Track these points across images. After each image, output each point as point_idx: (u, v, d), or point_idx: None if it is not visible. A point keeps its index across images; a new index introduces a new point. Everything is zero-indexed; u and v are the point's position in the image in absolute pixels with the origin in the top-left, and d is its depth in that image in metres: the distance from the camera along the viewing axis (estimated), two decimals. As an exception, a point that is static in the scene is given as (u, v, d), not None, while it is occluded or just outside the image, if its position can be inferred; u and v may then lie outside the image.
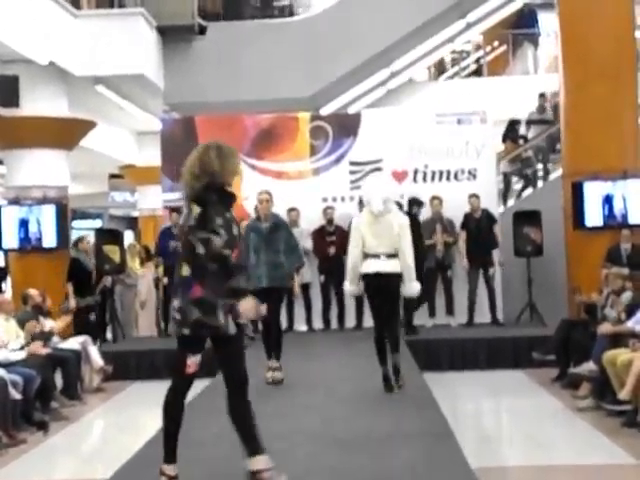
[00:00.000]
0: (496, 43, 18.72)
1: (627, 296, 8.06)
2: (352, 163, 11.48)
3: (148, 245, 13.76)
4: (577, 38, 10.66)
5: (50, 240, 11.16)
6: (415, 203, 10.20)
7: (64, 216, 11.41)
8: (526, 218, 11.23)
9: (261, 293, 5.74)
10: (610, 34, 10.43)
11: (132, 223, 24.61)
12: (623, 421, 6.65)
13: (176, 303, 4.12)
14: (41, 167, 11.37)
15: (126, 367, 9.91)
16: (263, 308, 4.43)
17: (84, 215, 24.51)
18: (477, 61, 18.98)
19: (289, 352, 9.06)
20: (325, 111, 13.68)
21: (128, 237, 18.04)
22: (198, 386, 7.64)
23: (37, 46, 10.28)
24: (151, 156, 14.95)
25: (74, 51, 11.19)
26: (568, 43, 10.85)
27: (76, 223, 22.56)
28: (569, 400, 7.73)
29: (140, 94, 13.13)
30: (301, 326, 11.22)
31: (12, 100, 10.78)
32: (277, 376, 7.28)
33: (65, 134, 11.50)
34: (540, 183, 13.12)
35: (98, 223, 24.27)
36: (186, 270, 4.08)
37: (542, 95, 14.13)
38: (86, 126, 11.93)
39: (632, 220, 10.41)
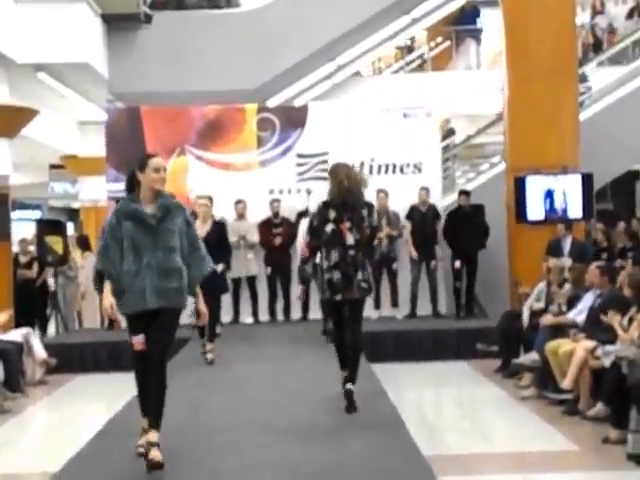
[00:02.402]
0: (440, 39, 18.91)
1: (567, 288, 8.27)
2: (299, 155, 11.49)
3: (87, 234, 13.58)
4: (520, 35, 10.86)
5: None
6: None
7: (5, 207, 11.16)
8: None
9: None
10: (552, 32, 10.65)
11: (72, 214, 24.20)
12: (564, 409, 6.83)
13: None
14: (-19, 156, 11.10)
15: (69, 360, 9.77)
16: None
17: (23, 206, 24.00)
18: (421, 56, 19.13)
19: (236, 344, 9.10)
20: (271, 103, 13.65)
21: (69, 228, 17.73)
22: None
23: (-23, 31, 10.04)
24: (94, 146, 14.71)
25: (15, 37, 10.93)
26: (511, 40, 11.05)
27: (15, 214, 22.07)
28: (512, 390, 7.90)
29: (83, 83, 12.89)
30: (247, 318, 11.20)
31: (-49, 86, 10.50)
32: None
33: (5, 122, 11.21)
34: (483, 178, 13.33)
35: (37, 214, 23.80)
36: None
37: None
38: (27, 114, 11.66)
39: (572, 214, 10.67)
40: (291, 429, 5.25)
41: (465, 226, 10.78)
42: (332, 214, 5.88)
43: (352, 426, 5.22)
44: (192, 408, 6.02)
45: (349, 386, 5.74)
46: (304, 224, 8.38)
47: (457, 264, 10.89)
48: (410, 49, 19.17)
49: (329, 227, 5.86)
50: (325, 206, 5.96)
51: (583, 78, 12.87)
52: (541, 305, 8.44)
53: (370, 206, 5.99)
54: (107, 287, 4.64)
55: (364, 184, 6.07)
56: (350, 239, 5.83)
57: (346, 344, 5.94)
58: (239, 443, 4.98)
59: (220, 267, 7.60)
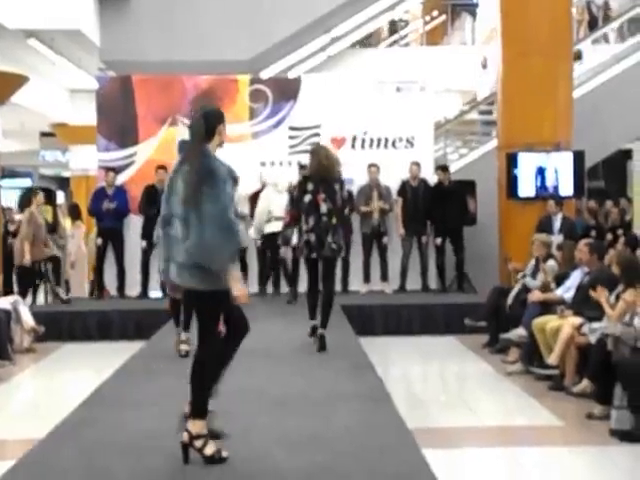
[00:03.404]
0: (435, 13, 18.83)
1: (552, 265, 8.29)
2: (291, 128, 11.43)
3: (77, 203, 13.52)
4: (515, 11, 10.79)
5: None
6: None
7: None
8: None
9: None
10: (548, 8, 10.57)
11: (63, 183, 24.11)
12: (550, 385, 6.88)
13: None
14: (-30, 122, 11.03)
15: (58, 328, 9.76)
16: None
17: (13, 174, 23.88)
18: (416, 30, 19.07)
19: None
20: (265, 75, 13.57)
21: (59, 197, 17.66)
22: (133, 348, 7.64)
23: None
24: (85, 115, 14.63)
25: (6, 3, 10.83)
26: (506, 16, 10.98)
27: (4, 182, 21.97)
28: (499, 365, 7.95)
29: (75, 50, 12.80)
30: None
31: (-60, 51, 10.40)
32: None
33: (-4, 88, 11.14)
34: (475, 154, 13.31)
35: (27, 182, 23.69)
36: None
37: None
38: (17, 80, 11.55)
39: (563, 192, 10.68)
40: (278, 399, 5.27)
41: (445, 202, 10.78)
42: (310, 187, 6.94)
43: (339, 398, 5.25)
44: (182, 375, 6.02)
45: (321, 331, 6.88)
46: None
47: (437, 241, 10.92)
48: (393, 25, 19.05)
49: (307, 197, 6.94)
50: (305, 180, 7.08)
51: (578, 55, 12.83)
52: (537, 283, 8.37)
53: (342, 182, 7.05)
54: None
55: (338, 164, 7.11)
56: (324, 208, 6.91)
57: (317, 297, 7.04)
58: (227, 412, 4.99)
59: None
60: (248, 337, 7.66)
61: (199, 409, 4.06)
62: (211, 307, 4.07)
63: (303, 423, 4.72)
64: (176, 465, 4.03)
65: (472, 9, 18.97)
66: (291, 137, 11.39)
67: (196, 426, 4.02)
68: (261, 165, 11.30)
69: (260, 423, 4.76)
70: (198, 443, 4.00)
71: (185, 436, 4.02)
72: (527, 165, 10.65)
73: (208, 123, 4.16)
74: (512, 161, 10.67)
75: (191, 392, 4.09)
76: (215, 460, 3.99)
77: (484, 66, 16.60)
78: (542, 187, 10.72)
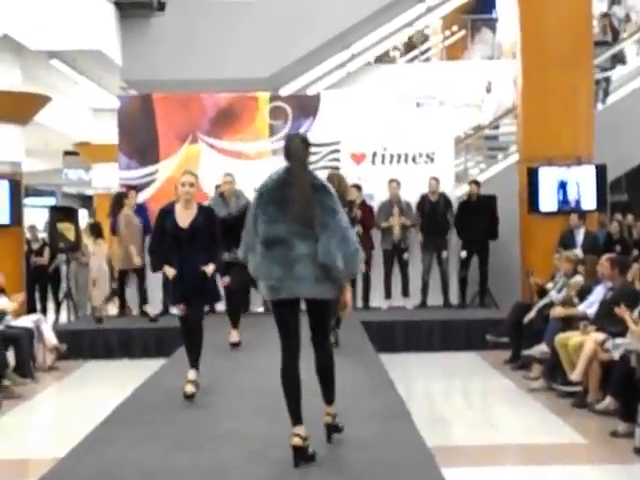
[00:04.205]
0: (455, 28, 18.82)
1: (578, 280, 8.21)
2: (311, 145, 11.43)
3: (99, 222, 13.60)
4: (535, 25, 10.76)
5: (3, 217, 10.96)
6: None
7: (17, 193, 11.22)
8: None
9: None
10: (568, 22, 10.54)
11: (86, 201, 24.31)
12: (573, 402, 6.80)
13: None
14: (-6, 142, 11.15)
15: (80, 346, 9.81)
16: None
17: (37, 192, 24.14)
18: (436, 45, 19.06)
19: (246, 333, 9.08)
20: (284, 92, 13.62)
21: (83, 215, 17.80)
22: (154, 365, 7.65)
23: (-9, 18, 10.07)
24: (107, 133, 14.74)
25: (29, 24, 10.96)
26: (526, 30, 10.95)
27: (28, 200, 22.21)
28: (521, 381, 7.88)
29: (96, 70, 12.93)
30: (258, 307, 11.21)
31: (-35, 73, 10.55)
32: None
33: (19, 108, 11.28)
34: (496, 168, 13.25)
35: (51, 201, 23.93)
36: None
37: (605, 15, 14.02)
38: (41, 100, 11.71)
39: (585, 206, 10.60)
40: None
41: (475, 216, 10.76)
42: None
43: (358, 415, 5.21)
44: (201, 393, 6.03)
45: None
46: None
47: (463, 254, 10.88)
48: (410, 43, 19.04)
49: None
50: None
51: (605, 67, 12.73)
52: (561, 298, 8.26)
53: (351, 203, 7.88)
54: None
55: (348, 191, 7.47)
56: None
57: None
58: (244, 429, 4.99)
59: (210, 268, 6.01)
60: (262, 353, 7.69)
61: (334, 396, 4.61)
62: (330, 313, 4.62)
63: (319, 442, 4.68)
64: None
65: (492, 24, 18.95)
66: (311, 154, 11.37)
67: (334, 408, 4.61)
68: (281, 182, 11.31)
69: (276, 441, 4.73)
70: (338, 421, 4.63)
71: (329, 419, 4.61)
72: (548, 179, 10.59)
73: (307, 147, 4.58)
74: (533, 175, 10.61)
75: (327, 388, 4.58)
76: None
77: (488, 90, 16.58)
78: (564, 201, 10.64)
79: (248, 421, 5.23)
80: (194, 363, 5.99)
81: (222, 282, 7.43)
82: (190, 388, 5.85)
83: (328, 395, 4.58)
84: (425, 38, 19.59)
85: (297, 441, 4.22)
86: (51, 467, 4.39)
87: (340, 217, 4.31)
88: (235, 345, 7.91)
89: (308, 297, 4.31)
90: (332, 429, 4.63)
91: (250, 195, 7.96)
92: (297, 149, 4.49)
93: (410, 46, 19.18)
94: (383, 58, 17.40)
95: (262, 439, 4.78)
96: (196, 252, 5.97)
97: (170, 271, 5.95)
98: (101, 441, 4.86)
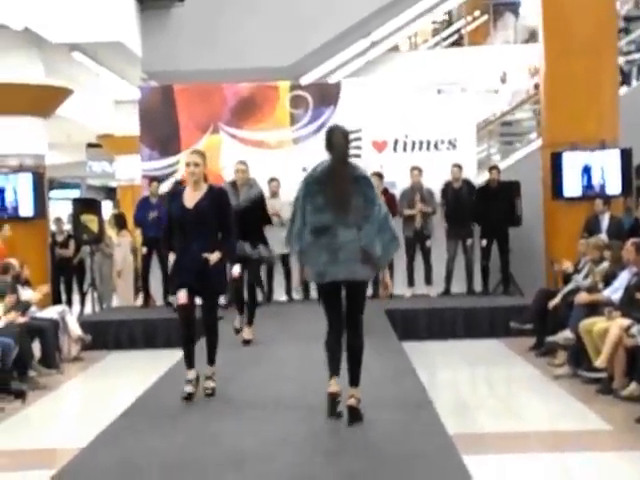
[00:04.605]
0: (477, 13, 18.64)
1: (604, 266, 8.12)
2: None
3: (123, 213, 13.67)
4: (558, 9, 10.64)
5: (27, 209, 11.05)
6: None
7: (41, 185, 11.30)
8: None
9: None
10: (592, 6, 10.41)
11: (110, 193, 24.46)
12: (598, 388, 6.73)
13: None
14: (17, 135, 11.23)
15: (104, 337, 9.88)
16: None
17: (62, 185, 24.32)
18: (458, 31, 18.88)
19: (269, 322, 9.10)
20: (304, 81, 13.57)
21: (107, 207, 17.93)
22: (177, 355, 7.66)
23: (11, 11, 10.11)
24: (129, 125, 14.79)
25: (49, 17, 11.00)
26: (549, 14, 10.83)
27: (54, 193, 22.39)
28: (545, 368, 7.82)
29: (118, 62, 12.95)
30: (281, 296, 11.21)
31: (-14, 66, 10.62)
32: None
33: (41, 101, 11.36)
34: (519, 154, 13.13)
35: (76, 193, 24.09)
36: None
37: None
38: (62, 93, 11.77)
39: (609, 191, 10.48)
40: (318, 406, 5.22)
41: (493, 203, 10.63)
42: None
43: (379, 404, 5.18)
44: (221, 382, 6.05)
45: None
46: None
47: (483, 242, 10.79)
48: (449, 23, 18.95)
49: None
50: None
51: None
52: (587, 284, 8.17)
53: None
54: None
55: None
56: None
57: None
58: (266, 419, 4.99)
59: (214, 256, 5.48)
60: (288, 344, 7.68)
61: (359, 379, 4.75)
62: (365, 297, 4.87)
63: (341, 429, 4.67)
64: (209, 475, 4.02)
65: (515, 8, 18.73)
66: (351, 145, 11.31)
67: (358, 391, 4.72)
68: (302, 171, 11.28)
69: (298, 431, 4.73)
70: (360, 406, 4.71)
71: (353, 401, 4.68)
72: (572, 164, 10.48)
73: (348, 140, 4.86)
74: (557, 160, 10.50)
75: (354, 367, 4.74)
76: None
77: (503, 81, 16.41)
78: (588, 186, 10.53)
79: (269, 411, 5.23)
80: (209, 358, 5.65)
81: (232, 272, 7.20)
82: (189, 388, 5.45)
83: (354, 376, 4.75)
84: (447, 24, 19.43)
85: (334, 389, 4.72)
86: (71, 458, 4.41)
87: (380, 207, 4.69)
88: (247, 342, 7.61)
89: (349, 279, 4.65)
90: (354, 412, 4.68)
91: (262, 184, 7.94)
92: (339, 142, 4.76)
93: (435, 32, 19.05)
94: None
95: (283, 429, 4.77)
96: (201, 237, 5.42)
97: (171, 258, 5.56)
98: (122, 432, 4.88)
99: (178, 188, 5.81)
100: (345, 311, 4.79)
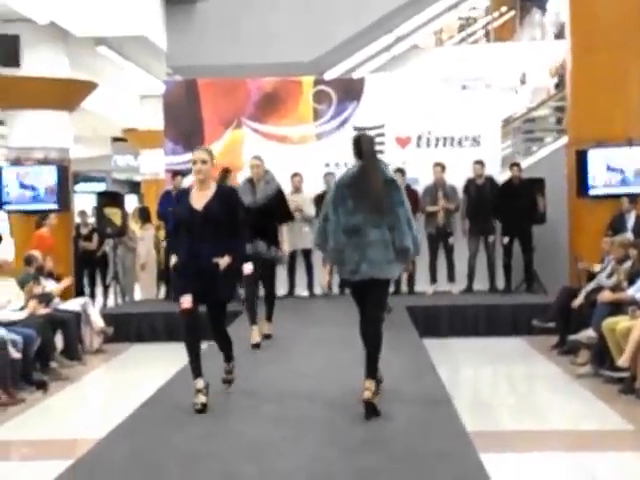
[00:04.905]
0: (504, 9, 18.52)
1: (629, 264, 8.02)
2: (356, 128, 11.36)
3: (148, 206, 13.72)
4: (585, 5, 10.52)
5: (51, 202, 11.13)
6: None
7: (65, 178, 11.38)
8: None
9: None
10: (618, 1, 10.28)
11: (135, 187, 24.60)
12: (621, 388, 6.66)
13: None
14: (42, 128, 11.32)
15: (126, 329, 9.93)
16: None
17: (87, 178, 24.49)
18: (484, 27, 18.79)
19: (289, 317, 9.10)
20: (329, 76, 13.55)
21: (132, 201, 18.04)
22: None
23: (37, 5, 10.17)
24: (154, 119, 14.87)
25: (75, 11, 11.06)
26: (576, 10, 10.71)
27: (79, 186, 22.57)
28: (568, 367, 7.75)
29: (142, 56, 13.03)
30: (302, 291, 11.21)
31: (12, 60, 10.71)
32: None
33: (66, 95, 11.44)
34: (544, 151, 13.02)
35: (101, 187, 24.26)
36: None
37: None
38: (87, 87, 11.85)
39: (636, 189, 10.33)
40: (336, 401, 5.22)
41: (515, 200, 10.54)
42: None
43: (398, 400, 5.17)
44: (241, 378, 6.05)
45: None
46: None
47: (505, 240, 10.70)
48: (473, 20, 18.86)
49: None
50: None
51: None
52: (610, 283, 8.08)
53: None
54: None
55: None
56: None
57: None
58: (283, 413, 4.99)
59: (224, 260, 5.10)
60: (305, 338, 7.66)
61: (375, 370, 4.90)
62: (387, 294, 5.17)
63: (359, 425, 4.66)
64: (226, 468, 4.02)
65: (542, 3, 18.58)
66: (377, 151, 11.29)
67: (373, 384, 4.81)
68: (325, 166, 11.29)
69: (316, 425, 4.72)
70: (376, 399, 4.80)
71: (368, 394, 4.74)
72: (598, 161, 10.36)
73: (374, 146, 5.18)
74: (582, 158, 10.39)
75: (370, 358, 4.89)
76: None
77: (522, 82, 16.28)
78: (614, 184, 10.40)
79: (287, 406, 5.22)
80: (226, 357, 5.50)
81: (244, 269, 6.78)
82: (201, 399, 5.05)
83: (371, 367, 4.88)
84: (473, 20, 19.33)
85: (367, 394, 4.77)
86: (89, 448, 4.44)
87: (406, 207, 5.01)
88: (267, 337, 7.47)
89: (377, 277, 4.90)
90: (370, 407, 4.73)
91: (285, 180, 7.63)
92: (368, 148, 5.06)
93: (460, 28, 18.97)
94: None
95: (300, 423, 4.77)
96: (210, 240, 5.04)
97: (173, 259, 5.20)
98: (140, 423, 4.90)
99: (185, 188, 5.46)
100: (367, 306, 5.00)
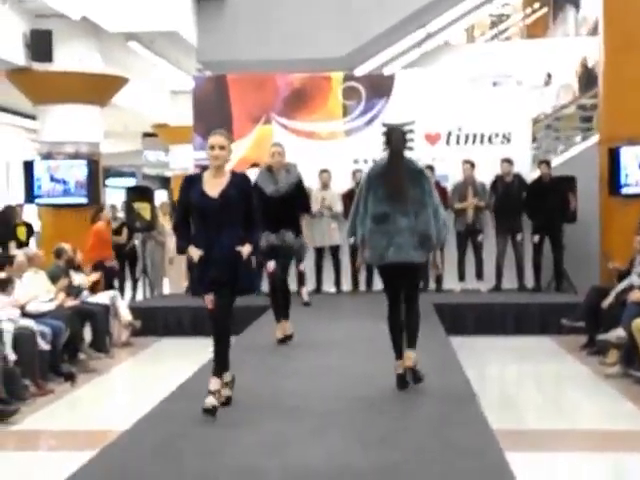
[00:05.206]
0: (537, 5, 18.35)
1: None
2: (385, 125, 11.31)
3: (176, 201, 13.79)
4: (618, 2, 10.39)
5: (81, 196, 11.24)
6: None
7: (96, 173, 11.48)
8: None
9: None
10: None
11: (165, 182, 24.75)
12: (650, 389, 6.57)
13: None
14: (73, 123, 11.43)
15: (154, 323, 9.99)
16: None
17: (118, 174, 24.68)
18: (517, 24, 18.64)
19: (317, 313, 9.11)
20: (359, 72, 13.51)
21: (162, 196, 18.12)
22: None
23: (70, 1, 10.26)
24: (184, 115, 14.92)
25: (107, 6, 11.15)
26: (610, 6, 10.60)
27: (110, 181, 22.76)
28: (596, 367, 7.65)
29: (173, 51, 13.09)
30: (330, 287, 11.21)
31: (45, 55, 10.81)
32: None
33: (97, 90, 11.53)
34: (576, 149, 12.88)
35: (132, 182, 24.42)
36: None
37: None
38: (118, 82, 11.94)
39: (669, 187, 10.20)
40: (361, 397, 5.21)
41: (545, 198, 10.42)
42: None
43: (422, 397, 5.15)
44: (266, 372, 6.07)
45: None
46: None
47: (535, 238, 10.59)
48: (505, 17, 18.72)
49: None
50: None
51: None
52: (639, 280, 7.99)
53: None
54: None
55: None
56: None
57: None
58: (306, 408, 4.98)
59: (246, 249, 4.90)
60: (331, 333, 7.62)
61: (415, 342, 5.40)
62: (420, 277, 5.68)
63: (382, 420, 4.64)
64: (248, 462, 4.02)
65: (576, 0, 18.38)
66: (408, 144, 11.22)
67: (415, 354, 5.34)
68: (354, 163, 11.26)
69: (337, 419, 4.71)
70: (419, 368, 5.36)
71: (410, 363, 5.30)
72: (630, 159, 10.23)
73: (405, 139, 5.49)
74: (614, 156, 10.27)
75: (411, 333, 5.39)
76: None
77: (546, 83, 16.06)
78: (647, 183, 10.27)
79: (310, 400, 5.22)
80: (216, 370, 4.92)
81: (267, 267, 6.95)
82: (210, 400, 4.73)
83: (412, 340, 5.39)
84: (506, 17, 19.18)
85: (400, 370, 5.32)
86: (113, 439, 4.47)
87: (434, 197, 5.30)
88: (287, 339, 7.14)
89: (406, 261, 5.23)
90: (413, 373, 5.30)
91: (304, 170, 7.53)
92: (398, 141, 5.39)
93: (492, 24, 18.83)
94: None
95: (323, 418, 4.76)
96: (229, 229, 4.82)
97: (195, 252, 4.83)
98: (164, 416, 4.92)
99: (195, 174, 5.11)
100: (404, 290, 5.41)
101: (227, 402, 4.97)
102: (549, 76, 15.95)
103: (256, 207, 5.05)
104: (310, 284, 10.72)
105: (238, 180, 4.96)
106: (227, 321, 4.91)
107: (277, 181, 6.92)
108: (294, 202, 6.99)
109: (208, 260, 4.81)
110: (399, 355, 5.38)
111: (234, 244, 4.84)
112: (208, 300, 4.85)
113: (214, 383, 4.82)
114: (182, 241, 4.99)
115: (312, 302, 9.54)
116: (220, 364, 4.91)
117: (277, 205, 6.68)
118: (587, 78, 14.29)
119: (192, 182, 4.92)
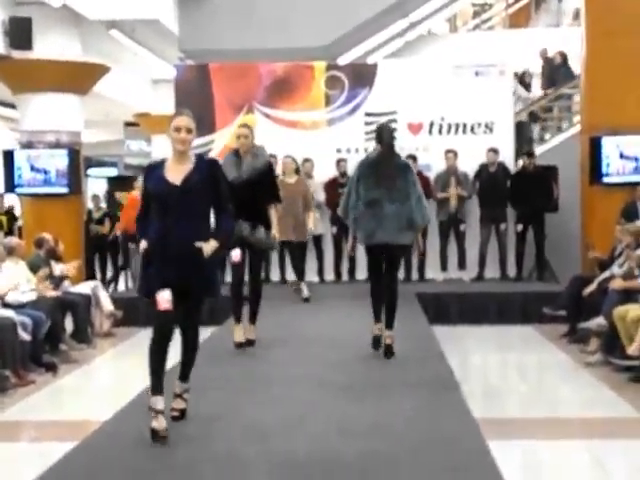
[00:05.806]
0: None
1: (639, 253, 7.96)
2: (367, 114, 11.32)
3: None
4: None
5: (62, 185, 11.15)
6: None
7: (76, 162, 11.38)
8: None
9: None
10: (634, -16, 10.17)
11: (147, 172, 24.55)
12: (631, 376, 6.62)
13: None
14: (54, 111, 11.31)
15: (136, 313, 9.92)
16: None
17: (100, 163, 24.49)
18: (499, 13, 18.64)
19: (300, 303, 9.11)
20: (342, 61, 13.47)
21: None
22: (205, 333, 7.69)
23: (50, -12, 10.16)
24: (166, 104, 14.81)
25: (88, -6, 11.04)
26: (591, -6, 10.60)
27: (91, 171, 22.59)
28: (578, 355, 7.70)
29: (155, 40, 12.98)
30: (313, 277, 11.19)
31: (25, 42, 10.69)
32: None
33: (78, 78, 11.42)
34: (558, 139, 12.92)
35: (113, 172, 24.26)
36: None
37: None
38: (99, 70, 11.83)
39: (650, 177, 10.25)
40: (344, 386, 5.21)
41: (529, 188, 10.44)
42: None
43: (405, 386, 5.16)
44: (247, 360, 6.06)
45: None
46: None
47: (519, 227, 10.63)
48: (488, 6, 18.72)
49: None
50: None
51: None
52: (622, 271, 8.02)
53: None
54: None
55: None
56: None
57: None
58: (288, 397, 4.98)
59: (209, 246, 4.27)
60: (314, 324, 7.62)
61: (393, 321, 6.16)
62: (401, 258, 6.74)
63: (366, 410, 4.65)
64: (233, 447, 4.02)
65: (558, -10, 18.42)
66: (367, 123, 11.25)
67: (393, 332, 6.16)
68: (337, 152, 11.24)
69: (321, 410, 4.71)
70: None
71: (389, 340, 6.10)
72: (612, 149, 10.28)
73: (394, 136, 6.33)
74: (596, 145, 10.31)
75: (389, 314, 6.14)
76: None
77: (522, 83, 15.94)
78: (627, 172, 10.32)
79: (293, 388, 5.22)
80: (183, 373, 4.61)
81: (231, 256, 6.26)
82: (162, 422, 4.18)
83: (389, 320, 6.13)
84: (489, 6, 19.19)
85: (377, 332, 6.23)
86: (95, 430, 4.45)
87: (417, 187, 6.14)
88: (248, 344, 6.50)
89: (391, 243, 6.04)
90: (389, 349, 6.06)
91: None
92: (388, 137, 6.16)
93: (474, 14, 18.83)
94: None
95: (305, 406, 4.76)
96: (190, 220, 4.21)
97: (142, 245, 4.29)
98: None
99: (157, 161, 4.46)
100: (385, 268, 6.20)
101: (181, 416, 4.53)
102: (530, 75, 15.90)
103: (226, 196, 4.41)
104: (290, 275, 10.71)
105: (204, 165, 4.35)
106: (195, 328, 4.49)
107: (241, 167, 6.25)
108: (259, 190, 6.25)
109: (164, 256, 4.21)
110: (378, 319, 6.22)
111: (194, 238, 4.22)
112: (163, 298, 4.16)
113: (156, 401, 4.25)
114: (138, 234, 4.41)
115: (294, 293, 9.53)
116: (185, 370, 4.59)
117: (241, 193, 5.86)
118: (549, 70, 14.25)
119: (154, 169, 4.36)
